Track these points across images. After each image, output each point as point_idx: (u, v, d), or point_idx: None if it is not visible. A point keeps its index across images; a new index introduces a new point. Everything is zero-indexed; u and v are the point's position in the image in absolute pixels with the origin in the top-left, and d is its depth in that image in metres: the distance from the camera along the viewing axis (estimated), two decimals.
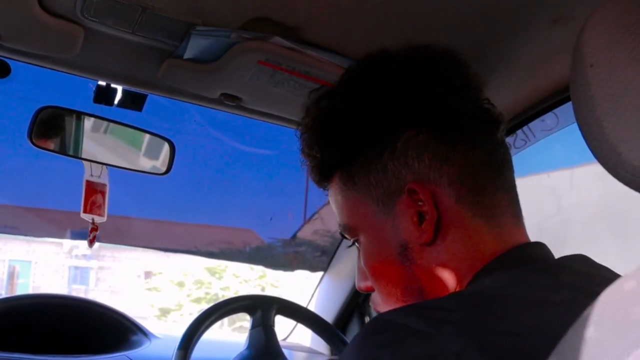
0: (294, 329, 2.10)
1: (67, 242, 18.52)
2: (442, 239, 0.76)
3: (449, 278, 0.77)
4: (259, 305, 1.50)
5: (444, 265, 0.77)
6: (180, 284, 15.31)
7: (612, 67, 0.59)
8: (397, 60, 0.82)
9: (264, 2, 1.03)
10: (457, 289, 0.76)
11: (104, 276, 20.41)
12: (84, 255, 20.41)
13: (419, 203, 0.76)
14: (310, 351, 1.98)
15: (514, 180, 0.82)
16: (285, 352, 1.50)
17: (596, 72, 0.61)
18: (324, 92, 0.86)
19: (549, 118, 1.32)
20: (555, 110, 1.29)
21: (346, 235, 0.87)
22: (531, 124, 1.35)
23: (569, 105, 1.27)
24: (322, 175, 0.86)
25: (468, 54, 1.17)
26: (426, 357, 0.58)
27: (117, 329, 1.74)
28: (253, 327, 1.49)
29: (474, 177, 0.77)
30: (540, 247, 0.79)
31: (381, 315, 0.66)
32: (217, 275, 14.81)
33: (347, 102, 0.82)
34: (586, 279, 0.70)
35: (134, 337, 1.74)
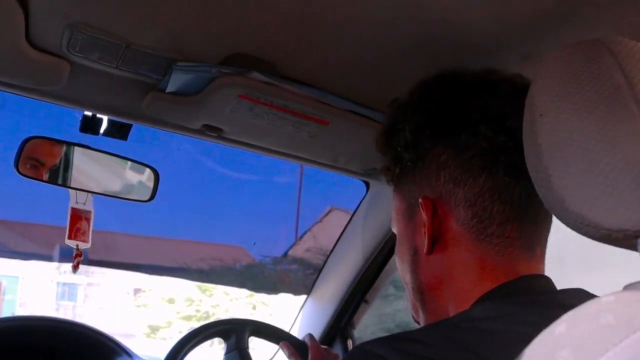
0: (278, 350, 2.12)
1: (56, 258, 18.43)
2: (441, 252, 0.83)
3: (449, 291, 0.83)
4: (232, 329, 1.51)
5: (444, 277, 0.83)
6: (171, 301, 15.16)
7: (558, 118, 0.63)
8: (443, 84, 0.90)
9: (242, 38, 1.06)
10: (456, 305, 0.81)
11: (93, 293, 19.99)
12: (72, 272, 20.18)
13: (426, 217, 0.83)
14: None
15: (538, 215, 0.82)
16: None
17: (545, 121, 0.64)
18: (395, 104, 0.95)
19: None
20: None
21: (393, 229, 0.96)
22: None
23: None
24: (387, 177, 0.96)
25: None
26: None
27: (102, 351, 1.75)
28: (228, 351, 1.50)
29: (484, 205, 0.80)
30: (541, 279, 0.82)
31: (362, 345, 0.72)
32: (207, 293, 14.65)
33: (400, 117, 0.91)
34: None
35: (118, 359, 1.76)
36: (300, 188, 2.89)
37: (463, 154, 0.82)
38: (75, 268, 1.41)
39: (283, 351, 1.46)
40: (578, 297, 0.76)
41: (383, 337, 0.73)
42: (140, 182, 1.42)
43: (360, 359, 0.70)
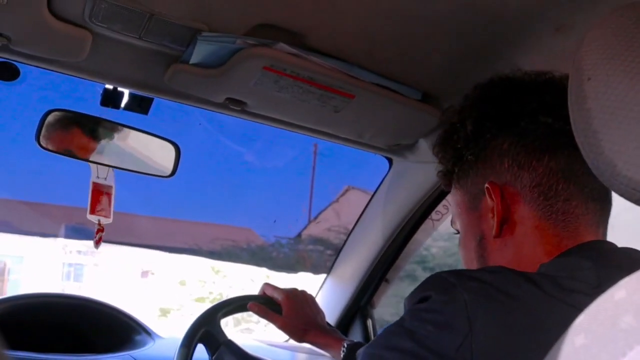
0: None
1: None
2: (509, 234, 0.87)
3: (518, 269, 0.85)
4: (204, 329, 1.35)
5: (513, 257, 0.87)
6: (182, 283, 15.12)
7: (608, 80, 0.60)
8: (498, 85, 0.95)
9: (268, 8, 1.04)
10: None
11: (99, 273, 20.00)
12: (78, 252, 19.34)
13: (494, 200, 0.88)
14: (312, 352, 1.99)
15: (601, 193, 0.86)
16: (287, 352, 1.50)
17: (593, 85, 0.62)
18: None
19: None
20: None
21: (453, 227, 1.02)
22: None
23: None
24: (445, 181, 1.02)
25: (472, 61, 1.20)
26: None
27: (121, 329, 1.75)
28: (213, 354, 1.36)
29: (549, 184, 0.85)
30: (605, 243, 0.86)
31: (437, 273, 0.79)
32: (220, 274, 14.51)
33: (459, 117, 0.96)
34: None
35: (138, 337, 1.76)
36: (314, 167, 2.86)
37: (525, 139, 0.87)
38: (97, 243, 1.40)
39: (254, 313, 1.39)
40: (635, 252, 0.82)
41: (456, 269, 0.80)
42: (161, 157, 1.40)
43: (433, 283, 0.76)
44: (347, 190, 2.72)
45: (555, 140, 0.86)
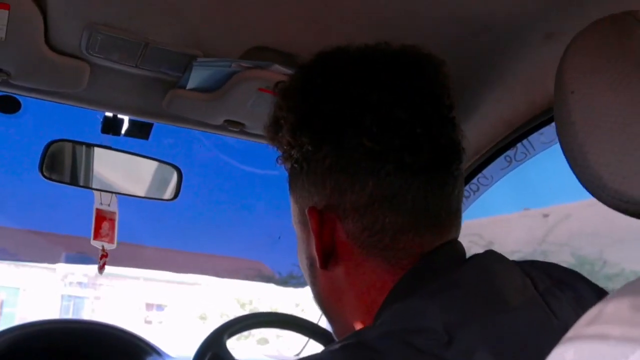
0: (306, 344, 2.11)
1: (61, 268, 16.17)
2: (336, 267, 0.72)
3: (349, 308, 0.74)
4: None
5: (342, 295, 0.74)
6: (203, 317, 14.44)
7: (592, 94, 0.61)
8: (322, 70, 0.75)
9: (261, 32, 1.06)
10: (361, 322, 0.72)
11: (101, 307, 17.82)
12: (79, 283, 17.97)
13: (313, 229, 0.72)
14: None
15: (439, 217, 0.71)
16: None
17: (577, 98, 0.63)
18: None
19: (547, 131, 1.34)
20: (553, 124, 1.31)
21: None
22: (530, 137, 1.37)
23: None
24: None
25: (466, 68, 1.21)
26: None
27: (132, 350, 1.76)
28: None
29: (374, 215, 0.69)
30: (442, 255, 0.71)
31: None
32: (246, 307, 13.52)
33: (279, 110, 0.76)
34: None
35: (149, 358, 1.76)
36: None
37: (347, 157, 0.69)
38: (101, 269, 1.41)
39: None
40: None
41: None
42: (164, 181, 1.42)
43: None
44: None
45: (384, 160, 0.68)
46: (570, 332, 0.46)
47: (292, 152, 0.74)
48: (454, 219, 0.73)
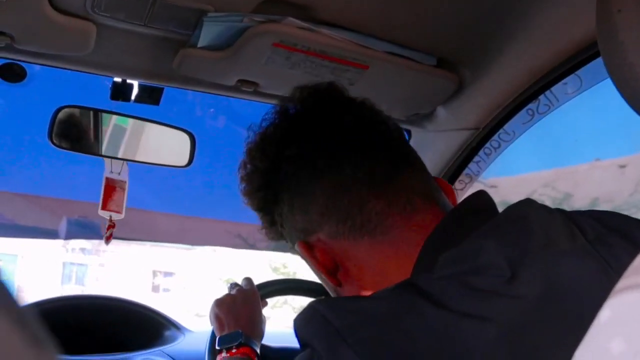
0: None
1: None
2: (345, 276, 0.76)
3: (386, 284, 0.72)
4: None
5: (372, 284, 0.74)
6: (229, 281, 14.34)
7: None
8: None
9: None
10: None
11: (104, 275, 16.83)
12: (82, 250, 17.03)
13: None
14: None
15: (387, 174, 0.76)
16: None
17: (624, 16, 0.59)
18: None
19: (571, 81, 1.29)
20: (577, 72, 1.26)
21: None
22: (553, 88, 1.32)
23: (591, 66, 1.24)
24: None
25: (486, 21, 1.16)
26: None
27: (151, 326, 1.75)
28: None
29: (335, 207, 0.75)
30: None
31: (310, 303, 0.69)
32: (280, 272, 12.99)
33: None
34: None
35: (168, 333, 1.75)
36: None
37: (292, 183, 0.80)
38: (108, 240, 1.38)
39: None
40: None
41: (333, 299, 0.74)
42: (177, 147, 1.38)
43: (310, 324, 0.62)
44: None
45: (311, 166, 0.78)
46: (621, 283, 0.42)
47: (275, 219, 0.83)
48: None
